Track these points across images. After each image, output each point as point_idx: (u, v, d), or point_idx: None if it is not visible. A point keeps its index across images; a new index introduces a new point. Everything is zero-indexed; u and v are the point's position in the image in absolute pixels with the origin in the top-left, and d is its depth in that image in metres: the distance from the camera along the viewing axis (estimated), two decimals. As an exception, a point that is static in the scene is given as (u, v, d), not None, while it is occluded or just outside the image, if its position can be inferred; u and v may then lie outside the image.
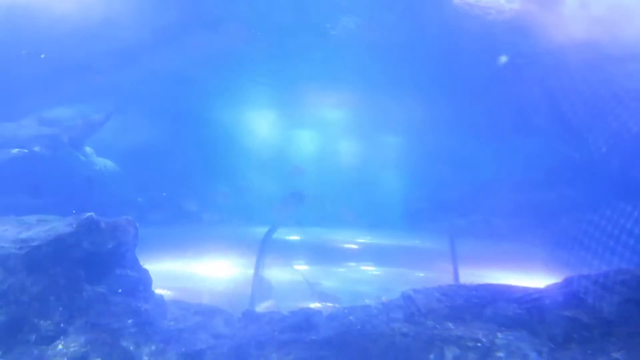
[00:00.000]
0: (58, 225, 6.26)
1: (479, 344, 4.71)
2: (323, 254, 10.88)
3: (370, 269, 10.93)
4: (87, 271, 6.18)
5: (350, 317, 5.82)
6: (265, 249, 10.41)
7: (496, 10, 12.36)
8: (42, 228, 6.23)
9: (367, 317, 5.70)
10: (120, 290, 6.28)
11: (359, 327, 5.57)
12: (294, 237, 11.74)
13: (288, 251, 10.77)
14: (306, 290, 9.53)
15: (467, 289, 5.24)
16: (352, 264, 11.00)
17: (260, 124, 17.48)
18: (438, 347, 4.97)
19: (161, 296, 6.95)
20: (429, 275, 10.12)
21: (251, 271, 9.79)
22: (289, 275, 10.00)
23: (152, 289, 6.92)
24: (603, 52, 11.24)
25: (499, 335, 4.64)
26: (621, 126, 11.23)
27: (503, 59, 13.15)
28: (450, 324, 5.00)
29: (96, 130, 13.14)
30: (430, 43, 13.65)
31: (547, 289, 4.98)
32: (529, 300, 4.77)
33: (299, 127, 17.61)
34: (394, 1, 12.69)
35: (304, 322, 6.06)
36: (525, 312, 4.71)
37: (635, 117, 10.97)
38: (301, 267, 10.32)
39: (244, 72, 14.90)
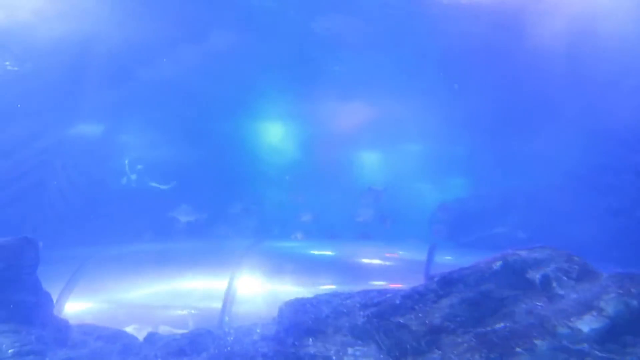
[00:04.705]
0: None
1: (328, 363, 3.91)
2: (348, 271, 9.99)
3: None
4: (-34, 299, 5.84)
5: (229, 338, 5.15)
6: (243, 262, 9.75)
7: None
8: None
9: (243, 336, 5.01)
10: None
11: (228, 348, 4.88)
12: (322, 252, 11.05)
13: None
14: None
15: (340, 297, 4.43)
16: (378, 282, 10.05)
17: (272, 136, 17.11)
18: (292, 368, 4.19)
19: (66, 321, 6.55)
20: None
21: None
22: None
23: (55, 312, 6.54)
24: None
25: (349, 350, 3.81)
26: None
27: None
28: (310, 340, 4.21)
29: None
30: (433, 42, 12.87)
31: (394, 291, 4.10)
32: (371, 305, 3.91)
33: (311, 138, 17.06)
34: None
35: (188, 345, 5.47)
36: (367, 320, 3.85)
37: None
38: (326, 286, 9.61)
39: (253, 83, 14.61)
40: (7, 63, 11.62)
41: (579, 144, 12.03)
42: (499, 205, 14.55)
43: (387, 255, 10.14)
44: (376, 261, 9.90)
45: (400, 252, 10.25)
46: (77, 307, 9.37)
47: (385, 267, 9.74)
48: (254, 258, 9.75)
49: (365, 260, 9.98)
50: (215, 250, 10.76)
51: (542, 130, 13.83)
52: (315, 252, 10.62)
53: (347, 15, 12.66)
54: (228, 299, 8.89)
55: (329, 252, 10.55)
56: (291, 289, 8.81)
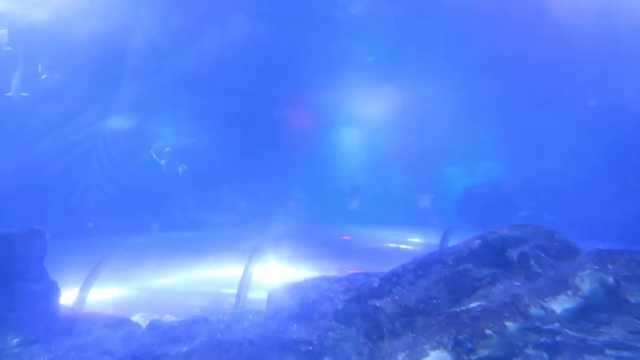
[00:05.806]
0: None
1: (310, 348, 3.75)
2: (367, 256, 9.85)
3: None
4: (-29, 289, 5.89)
5: (220, 325, 5.07)
6: (260, 248, 9.66)
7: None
8: None
9: (234, 323, 4.91)
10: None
11: (219, 335, 4.79)
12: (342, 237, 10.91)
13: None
14: None
15: (328, 282, 4.26)
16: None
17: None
18: (277, 355, 4.06)
19: (72, 310, 6.57)
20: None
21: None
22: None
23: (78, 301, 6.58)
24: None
25: (330, 335, 3.64)
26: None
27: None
28: (294, 326, 4.07)
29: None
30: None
31: (375, 274, 3.89)
32: (353, 289, 3.71)
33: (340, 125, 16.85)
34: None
35: (184, 333, 5.41)
36: (345, 304, 3.66)
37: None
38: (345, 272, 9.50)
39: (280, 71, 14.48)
40: (44, 76, 11.72)
41: (606, 127, 11.47)
42: (524, 188, 14.12)
43: (409, 239, 9.95)
44: (396, 245, 9.70)
45: (424, 237, 10.04)
46: (99, 295, 9.55)
47: (406, 252, 9.51)
48: (271, 243, 9.69)
49: (385, 245, 9.80)
50: (234, 237, 10.75)
51: (570, 113, 13.31)
52: (336, 237, 10.49)
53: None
54: (243, 286, 8.86)
55: (350, 237, 10.41)
56: (308, 274, 8.70)
